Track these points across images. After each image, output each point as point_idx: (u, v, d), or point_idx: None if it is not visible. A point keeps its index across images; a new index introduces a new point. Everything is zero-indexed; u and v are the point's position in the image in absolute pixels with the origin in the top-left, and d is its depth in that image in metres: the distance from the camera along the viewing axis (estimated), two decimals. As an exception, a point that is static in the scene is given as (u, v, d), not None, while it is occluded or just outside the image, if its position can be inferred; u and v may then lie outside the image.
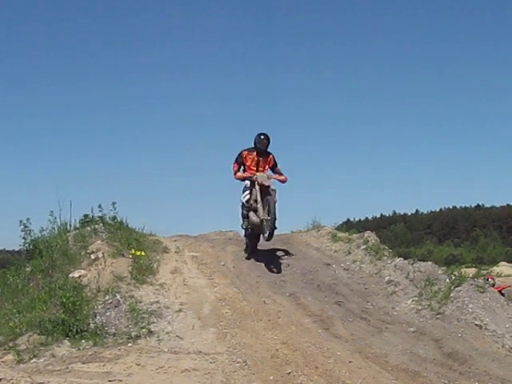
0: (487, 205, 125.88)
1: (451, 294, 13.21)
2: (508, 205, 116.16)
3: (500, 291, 16.18)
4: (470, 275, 14.70)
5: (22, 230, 15.12)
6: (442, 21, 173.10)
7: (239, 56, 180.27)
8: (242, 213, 14.18)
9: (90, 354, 10.20)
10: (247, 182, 13.68)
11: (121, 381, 8.93)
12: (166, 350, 10.43)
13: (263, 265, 15.55)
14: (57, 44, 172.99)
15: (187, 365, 9.67)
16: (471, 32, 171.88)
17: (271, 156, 14.05)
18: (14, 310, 12.29)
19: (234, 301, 12.83)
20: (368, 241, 17.05)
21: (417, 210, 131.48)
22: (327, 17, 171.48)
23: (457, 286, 13.44)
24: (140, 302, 12.32)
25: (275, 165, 14.09)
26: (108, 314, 11.76)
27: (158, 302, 12.52)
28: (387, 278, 14.86)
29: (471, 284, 13.57)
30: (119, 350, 10.34)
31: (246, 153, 13.80)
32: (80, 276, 13.43)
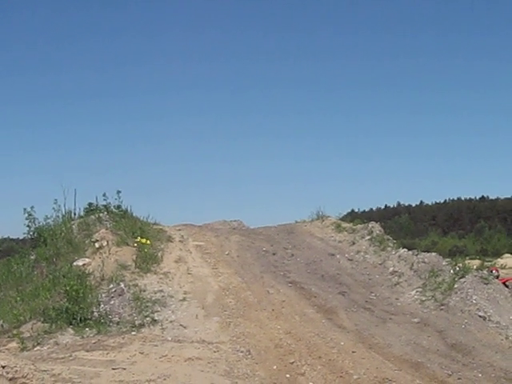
0: (492, 196, 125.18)
1: (455, 286, 13.20)
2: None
3: (504, 283, 16.09)
4: (474, 267, 14.67)
5: (27, 218, 15.17)
6: (445, 11, 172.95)
7: (247, 44, 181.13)
8: None
9: (93, 342, 10.23)
10: None
11: (124, 369, 8.94)
12: (169, 338, 10.45)
13: (267, 255, 15.57)
14: (58, 31, 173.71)
15: (191, 353, 9.68)
16: (480, 21, 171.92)
17: None
18: (18, 298, 12.33)
19: (237, 290, 12.85)
20: (372, 231, 17.07)
21: (421, 202, 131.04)
22: (325, 7, 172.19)
23: (461, 278, 13.44)
24: (144, 291, 12.34)
25: None
26: (112, 302, 11.78)
27: (161, 290, 12.54)
28: (391, 269, 14.86)
29: (475, 275, 13.56)
30: (123, 338, 10.36)
31: None
32: (84, 264, 13.45)
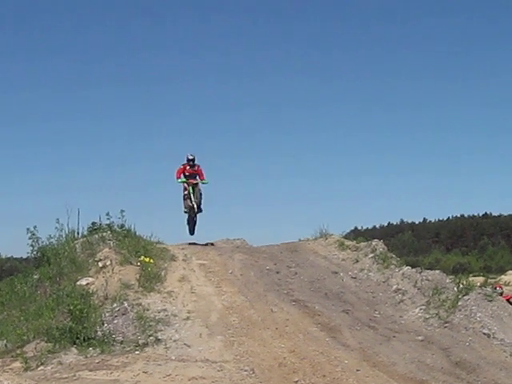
0: (495, 213, 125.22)
1: (459, 303, 13.17)
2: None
3: (508, 300, 16.06)
4: (478, 284, 14.65)
5: (30, 238, 15.16)
6: (446, 27, 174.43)
7: (247, 60, 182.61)
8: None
9: (97, 361, 10.21)
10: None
11: (128, 388, 8.93)
12: (173, 357, 10.43)
13: (271, 273, 15.54)
14: (60, 49, 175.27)
15: (194, 373, 9.66)
16: (478, 38, 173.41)
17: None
18: (22, 318, 12.32)
19: (241, 309, 12.82)
20: (376, 249, 17.03)
21: (424, 219, 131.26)
22: (328, 23, 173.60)
23: (465, 295, 13.41)
24: (147, 310, 12.32)
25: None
26: (115, 321, 11.76)
27: (165, 309, 12.52)
28: (395, 287, 14.82)
29: (479, 293, 13.53)
30: (126, 357, 10.34)
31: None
32: (88, 284, 13.45)
